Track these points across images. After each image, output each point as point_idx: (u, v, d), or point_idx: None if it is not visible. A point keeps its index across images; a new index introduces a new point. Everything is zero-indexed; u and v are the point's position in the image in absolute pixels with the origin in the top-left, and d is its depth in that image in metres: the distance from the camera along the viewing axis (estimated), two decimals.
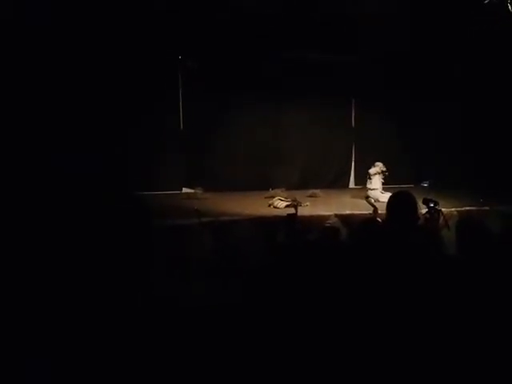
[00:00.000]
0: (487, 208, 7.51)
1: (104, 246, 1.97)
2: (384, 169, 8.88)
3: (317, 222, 6.79)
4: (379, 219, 4.94)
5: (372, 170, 8.90)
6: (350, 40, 8.95)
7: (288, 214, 5.65)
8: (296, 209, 6.47)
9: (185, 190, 9.99)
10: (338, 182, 11.30)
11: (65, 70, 7.86)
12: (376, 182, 8.89)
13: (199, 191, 9.32)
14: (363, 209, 7.35)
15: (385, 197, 8.33)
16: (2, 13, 6.64)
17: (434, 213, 4.08)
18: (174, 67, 9.99)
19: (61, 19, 7.33)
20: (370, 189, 8.88)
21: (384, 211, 4.94)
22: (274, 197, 8.28)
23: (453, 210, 7.21)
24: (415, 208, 3.07)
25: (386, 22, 8.26)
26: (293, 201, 7.57)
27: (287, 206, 7.55)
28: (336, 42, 8.98)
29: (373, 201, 7.79)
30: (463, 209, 7.42)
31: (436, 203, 4.23)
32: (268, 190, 9.44)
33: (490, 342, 2.16)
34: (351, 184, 11.51)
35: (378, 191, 8.77)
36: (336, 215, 7.08)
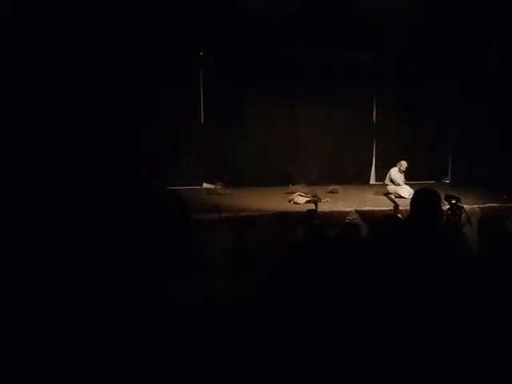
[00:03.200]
0: (510, 205, 7.40)
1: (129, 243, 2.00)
2: (404, 168, 8.87)
3: (337, 217, 6.79)
4: (400, 215, 4.93)
5: (393, 173, 8.89)
6: (371, 39, 8.89)
7: (308, 210, 5.65)
8: (316, 204, 6.46)
9: (205, 185, 10.06)
10: (358, 178, 11.27)
11: (87, 70, 7.97)
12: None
13: (219, 187, 9.36)
14: (384, 205, 7.31)
15: (404, 190, 8.34)
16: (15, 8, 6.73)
17: (455, 209, 4.03)
18: (194, 64, 10.03)
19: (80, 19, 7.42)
20: (387, 184, 8.90)
21: (404, 207, 4.92)
22: (294, 192, 8.29)
23: (475, 206, 7.13)
24: (439, 205, 3.05)
25: (407, 20, 8.19)
26: (313, 196, 7.56)
27: (307, 202, 7.55)
28: (358, 40, 8.93)
29: (393, 197, 7.75)
30: (486, 205, 7.32)
31: (458, 199, 4.18)
32: (288, 185, 9.44)
33: (508, 339, 2.15)
34: (372, 180, 11.45)
35: (395, 185, 8.79)
36: (356, 211, 7.07)
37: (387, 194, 8.45)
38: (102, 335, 1.68)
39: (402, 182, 8.82)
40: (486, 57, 9.18)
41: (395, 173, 8.89)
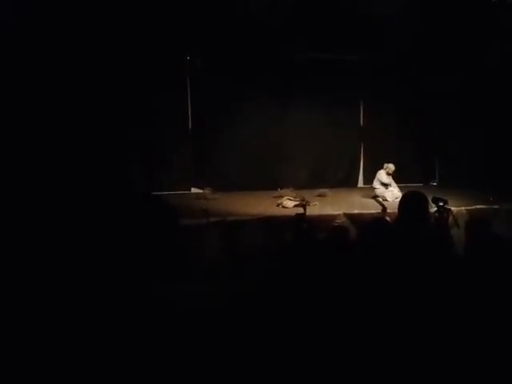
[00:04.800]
0: (497, 206, 7.46)
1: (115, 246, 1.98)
2: (391, 171, 8.88)
3: (325, 221, 6.79)
4: (388, 218, 4.95)
5: (381, 175, 8.89)
6: (359, 40, 8.92)
7: (297, 214, 5.66)
8: (304, 208, 6.47)
9: (194, 190, 10.02)
10: (346, 182, 11.28)
11: (76, 72, 7.94)
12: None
13: (208, 191, 9.33)
14: (372, 208, 7.34)
15: (390, 194, 8.37)
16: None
17: (443, 211, 4.06)
18: (182, 67, 10.02)
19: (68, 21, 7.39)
20: (375, 187, 8.91)
21: (392, 210, 4.94)
22: (282, 196, 8.29)
23: (462, 208, 7.18)
24: (427, 208, 3.07)
25: (396, 22, 8.23)
26: (301, 200, 7.56)
27: (296, 206, 7.55)
28: (346, 42, 8.96)
29: (381, 200, 7.78)
30: (473, 207, 7.37)
31: (445, 202, 4.21)
32: (276, 189, 9.44)
33: (494, 342, 2.16)
34: (360, 183, 11.48)
35: (384, 188, 8.78)
36: (345, 214, 7.07)
37: (375, 197, 8.49)
38: (99, 336, 1.67)
39: (392, 184, 8.82)
40: (486, 57, 9.24)
41: (383, 175, 8.89)
